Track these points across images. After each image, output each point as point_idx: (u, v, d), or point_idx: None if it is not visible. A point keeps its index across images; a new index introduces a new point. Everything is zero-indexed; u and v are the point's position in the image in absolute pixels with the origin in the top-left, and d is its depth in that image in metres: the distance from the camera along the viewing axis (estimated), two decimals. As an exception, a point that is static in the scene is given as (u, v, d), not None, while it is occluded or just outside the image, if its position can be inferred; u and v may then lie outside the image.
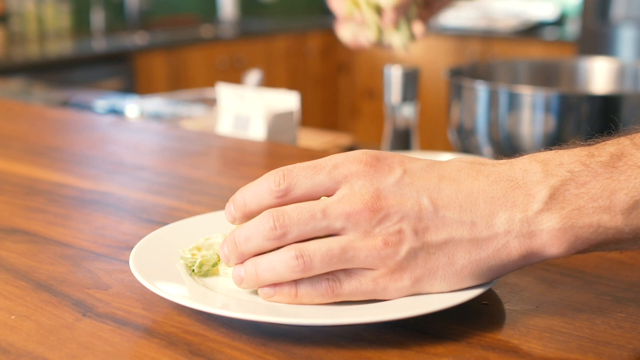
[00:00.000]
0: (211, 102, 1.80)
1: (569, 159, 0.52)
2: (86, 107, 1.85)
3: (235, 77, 3.09)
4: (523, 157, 0.54)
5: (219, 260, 0.61)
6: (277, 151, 1.17)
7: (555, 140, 1.27)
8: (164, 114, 1.76)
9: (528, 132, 1.29)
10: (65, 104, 1.91)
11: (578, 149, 0.53)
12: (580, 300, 0.58)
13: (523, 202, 0.52)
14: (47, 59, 3.49)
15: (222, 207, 0.78)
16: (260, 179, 0.55)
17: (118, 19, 4.32)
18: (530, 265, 0.54)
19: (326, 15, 5.14)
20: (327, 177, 0.53)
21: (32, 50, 3.65)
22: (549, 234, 0.51)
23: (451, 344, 0.52)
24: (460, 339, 0.52)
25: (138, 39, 3.93)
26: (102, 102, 1.90)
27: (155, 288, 0.55)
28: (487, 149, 1.37)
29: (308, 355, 0.50)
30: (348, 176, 0.53)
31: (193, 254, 0.61)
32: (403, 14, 0.58)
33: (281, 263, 0.53)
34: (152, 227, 0.71)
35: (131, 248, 0.62)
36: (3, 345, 0.53)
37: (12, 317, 0.57)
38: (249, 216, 0.56)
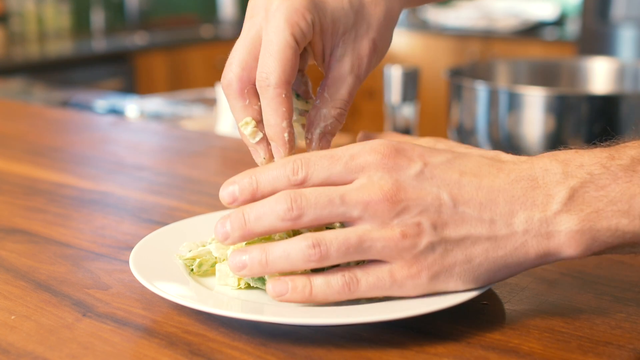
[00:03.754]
0: (211, 102, 1.80)
1: (590, 161, 0.52)
2: (86, 107, 1.85)
3: (235, 77, 3.08)
4: (544, 155, 0.54)
5: (217, 261, 0.61)
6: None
7: (555, 140, 1.27)
8: (164, 114, 1.76)
9: (528, 132, 1.29)
10: (65, 104, 1.91)
11: (599, 150, 0.53)
12: (580, 300, 0.58)
13: (542, 202, 0.51)
14: (47, 59, 3.49)
15: (222, 207, 0.78)
16: (276, 164, 0.54)
17: (118, 19, 4.32)
18: (546, 264, 0.54)
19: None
20: (344, 167, 0.52)
21: (32, 50, 3.65)
22: (567, 236, 0.51)
23: (451, 344, 0.52)
24: (460, 339, 0.52)
25: (138, 39, 3.93)
26: (102, 102, 1.90)
27: (155, 288, 0.55)
28: (487, 148, 1.37)
29: (308, 355, 0.50)
30: (366, 167, 0.52)
31: (193, 257, 0.61)
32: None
33: (296, 251, 0.52)
34: (152, 227, 0.71)
35: (131, 248, 0.62)
36: (3, 345, 0.53)
37: (12, 317, 0.57)
38: (256, 199, 0.53)
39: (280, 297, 0.53)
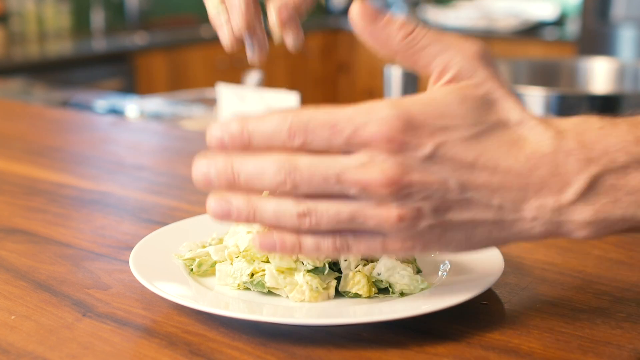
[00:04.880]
0: (211, 102, 1.80)
1: (615, 146, 0.49)
2: (86, 107, 1.85)
3: (235, 77, 3.09)
4: (569, 132, 0.50)
5: (217, 261, 0.61)
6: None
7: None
8: (164, 114, 1.76)
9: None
10: (65, 104, 1.90)
11: (625, 130, 0.50)
12: (580, 300, 0.58)
13: (558, 190, 0.49)
14: (47, 59, 3.49)
15: (222, 207, 0.78)
16: (272, 119, 0.49)
17: (118, 19, 4.32)
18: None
19: (326, 15, 5.14)
20: (346, 142, 0.48)
21: (32, 50, 3.65)
22: (579, 225, 0.50)
23: (451, 344, 0.52)
24: (460, 339, 0.52)
25: (138, 39, 3.93)
26: (102, 102, 1.90)
27: (155, 288, 0.55)
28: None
29: (308, 355, 0.50)
30: (370, 144, 0.48)
31: (192, 258, 0.61)
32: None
33: (286, 217, 0.49)
34: (152, 227, 0.71)
35: (131, 248, 0.63)
36: (3, 345, 0.53)
37: (12, 317, 0.57)
38: (245, 150, 0.50)
39: (266, 252, 0.52)
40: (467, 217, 0.50)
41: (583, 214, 0.49)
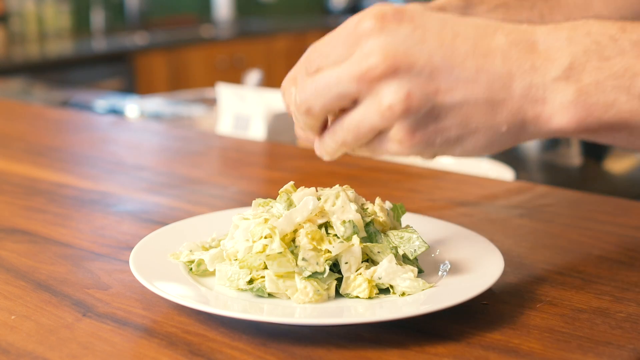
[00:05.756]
0: (211, 102, 1.80)
1: (598, 30, 0.49)
2: (86, 107, 1.85)
3: (235, 77, 3.10)
4: (550, 24, 0.51)
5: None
6: (277, 151, 1.17)
7: (553, 140, 1.27)
8: (164, 114, 1.76)
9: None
10: (65, 104, 1.91)
11: (612, 22, 0.50)
12: (580, 300, 0.58)
13: (542, 67, 0.49)
14: (47, 59, 3.49)
15: (222, 207, 0.78)
16: (296, 66, 0.55)
17: (118, 19, 4.32)
18: (540, 137, 0.52)
19: (326, 15, 5.14)
20: (345, 48, 0.51)
21: (32, 50, 3.65)
22: (561, 104, 0.48)
23: (451, 344, 0.52)
24: (460, 339, 0.52)
25: (138, 39, 3.93)
26: (102, 102, 1.90)
27: (155, 288, 0.55)
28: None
29: (308, 355, 0.50)
30: (361, 38, 0.50)
31: (189, 261, 0.62)
32: None
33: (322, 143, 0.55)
34: (152, 227, 0.71)
35: (131, 248, 0.63)
36: (3, 345, 0.53)
37: (12, 317, 0.57)
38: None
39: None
40: (459, 98, 0.49)
41: (566, 91, 0.48)
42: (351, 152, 0.55)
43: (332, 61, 0.52)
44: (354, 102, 0.51)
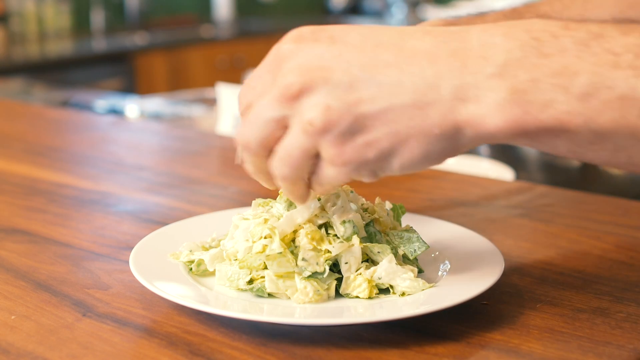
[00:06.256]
0: (211, 102, 1.80)
1: (539, 27, 0.46)
2: (86, 107, 1.85)
3: (235, 77, 3.09)
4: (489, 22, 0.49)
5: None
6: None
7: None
8: (164, 114, 1.76)
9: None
10: (65, 104, 1.90)
11: (556, 20, 0.47)
12: (580, 300, 0.58)
13: (474, 65, 0.45)
14: (47, 59, 3.49)
15: (222, 207, 0.78)
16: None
17: (118, 19, 4.32)
18: (477, 143, 0.48)
19: (326, 15, 5.14)
20: (271, 76, 0.51)
21: (32, 50, 3.65)
22: (495, 102, 0.45)
23: (451, 344, 0.52)
24: (460, 339, 0.52)
25: (138, 39, 3.93)
26: (102, 102, 1.90)
27: (155, 288, 0.55)
28: (484, 148, 1.37)
29: (308, 355, 0.50)
30: (281, 61, 0.50)
31: (190, 261, 0.61)
32: None
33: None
34: (152, 227, 0.71)
35: (131, 248, 0.62)
36: (3, 345, 0.53)
37: (12, 317, 0.57)
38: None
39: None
40: (383, 104, 0.47)
41: (500, 88, 0.45)
42: (301, 191, 0.53)
43: (259, 92, 0.51)
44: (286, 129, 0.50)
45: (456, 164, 1.25)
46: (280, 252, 0.56)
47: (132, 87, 3.63)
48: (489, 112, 0.45)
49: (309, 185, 0.53)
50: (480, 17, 0.69)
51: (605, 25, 0.46)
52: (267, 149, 0.51)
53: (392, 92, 0.47)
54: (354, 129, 0.47)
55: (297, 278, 0.56)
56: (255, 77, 0.52)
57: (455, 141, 0.47)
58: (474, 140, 0.47)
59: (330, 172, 0.50)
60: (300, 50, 0.49)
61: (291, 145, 0.50)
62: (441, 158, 0.49)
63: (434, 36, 0.47)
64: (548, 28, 0.46)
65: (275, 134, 0.50)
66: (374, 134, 0.47)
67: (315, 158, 0.50)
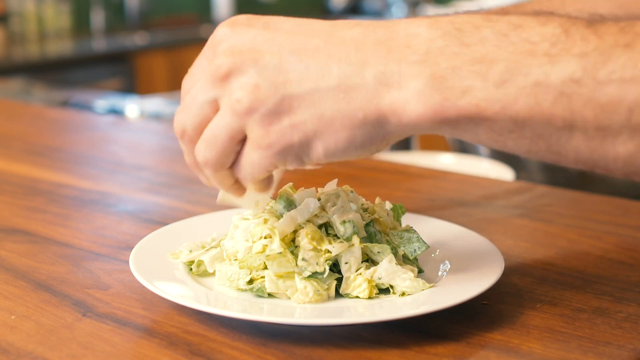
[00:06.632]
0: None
1: (462, 19, 0.47)
2: (86, 107, 1.85)
3: (235, 77, 3.09)
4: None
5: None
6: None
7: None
8: (164, 114, 1.76)
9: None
10: (65, 104, 1.90)
11: (479, 14, 0.48)
12: (580, 300, 0.58)
13: (399, 52, 0.47)
14: (47, 59, 3.49)
15: (222, 208, 0.78)
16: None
17: (118, 19, 4.32)
18: (403, 133, 0.49)
19: (326, 15, 5.14)
20: (207, 60, 0.52)
21: (32, 50, 3.65)
22: (416, 88, 0.46)
23: (451, 344, 0.52)
24: (460, 339, 0.52)
25: (138, 39, 3.93)
26: (102, 102, 1.90)
27: (155, 288, 0.55)
28: (484, 148, 1.36)
29: (308, 355, 0.50)
30: (216, 45, 0.51)
31: (190, 261, 0.62)
32: None
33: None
34: (152, 227, 0.71)
35: (131, 248, 0.63)
36: (3, 345, 0.53)
37: (12, 317, 0.57)
38: None
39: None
40: (309, 86, 0.48)
41: (421, 74, 0.46)
42: (223, 179, 0.53)
43: (197, 78, 0.52)
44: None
45: (456, 164, 1.25)
46: (280, 252, 0.56)
47: (132, 87, 3.63)
48: (410, 98, 0.47)
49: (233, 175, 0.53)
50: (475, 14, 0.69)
51: (525, 16, 0.47)
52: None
53: (319, 75, 0.48)
54: (280, 109, 0.49)
55: (297, 278, 0.56)
56: (195, 65, 0.53)
57: (380, 128, 0.48)
58: (398, 128, 0.48)
59: (254, 156, 0.50)
60: (233, 33, 0.50)
61: (217, 125, 0.51)
62: (366, 146, 0.49)
63: (363, 26, 0.49)
64: (471, 20, 0.47)
65: (209, 117, 0.51)
66: (299, 116, 0.49)
67: (240, 144, 0.51)
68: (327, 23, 0.50)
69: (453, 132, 0.48)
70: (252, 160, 0.51)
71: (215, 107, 0.51)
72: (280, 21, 0.51)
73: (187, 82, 0.54)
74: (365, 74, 0.47)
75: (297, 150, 0.49)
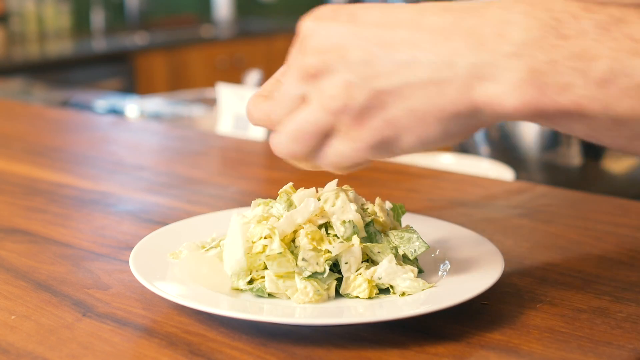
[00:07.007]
0: (211, 102, 1.80)
1: (561, 7, 0.45)
2: (86, 107, 1.85)
3: (235, 77, 3.09)
4: None
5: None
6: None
7: (553, 139, 1.27)
8: (164, 114, 1.76)
9: (526, 131, 1.29)
10: (65, 104, 1.91)
11: (577, 1, 0.46)
12: (580, 300, 0.58)
13: (492, 43, 0.45)
14: (47, 59, 3.49)
15: (222, 207, 0.78)
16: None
17: (118, 19, 4.32)
18: (494, 121, 0.48)
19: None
20: (299, 56, 0.51)
21: (32, 50, 3.65)
22: (513, 82, 0.45)
23: (451, 344, 0.52)
24: (460, 339, 0.52)
25: (138, 39, 3.93)
26: (102, 102, 1.90)
27: (155, 288, 0.55)
28: (484, 148, 1.37)
29: (308, 355, 0.50)
30: (303, 41, 0.51)
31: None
32: None
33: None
34: (152, 227, 0.71)
35: (131, 248, 0.63)
36: (3, 345, 0.53)
37: (12, 317, 0.57)
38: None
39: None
40: (400, 80, 0.47)
41: (518, 67, 0.45)
42: (305, 167, 0.54)
43: (289, 71, 0.52)
44: None
45: (456, 164, 1.25)
46: (280, 252, 0.56)
47: (132, 87, 3.63)
48: (506, 91, 0.45)
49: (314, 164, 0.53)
50: None
51: (626, 9, 0.45)
52: None
53: (409, 69, 0.47)
54: (372, 104, 0.48)
55: (297, 278, 0.56)
56: (289, 58, 0.53)
57: (473, 119, 0.47)
58: (491, 118, 0.47)
59: (343, 149, 0.50)
60: (318, 29, 0.50)
61: (306, 121, 0.50)
62: (457, 136, 0.49)
63: (452, 13, 0.47)
64: (568, 8, 0.45)
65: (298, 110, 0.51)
66: (391, 110, 0.48)
67: (327, 137, 0.50)
68: (414, 9, 0.48)
69: (547, 124, 0.47)
70: (340, 152, 0.50)
71: (303, 101, 0.51)
72: (364, 11, 0.50)
73: (281, 72, 0.54)
74: (456, 66, 0.46)
75: (389, 143, 0.49)
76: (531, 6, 0.46)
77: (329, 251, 0.57)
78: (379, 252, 0.58)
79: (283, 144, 0.52)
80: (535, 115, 0.46)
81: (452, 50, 0.46)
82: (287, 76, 0.52)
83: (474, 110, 0.47)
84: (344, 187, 0.61)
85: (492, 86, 0.45)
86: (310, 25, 0.51)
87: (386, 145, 0.49)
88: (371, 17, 0.49)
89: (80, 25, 4.15)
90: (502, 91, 0.45)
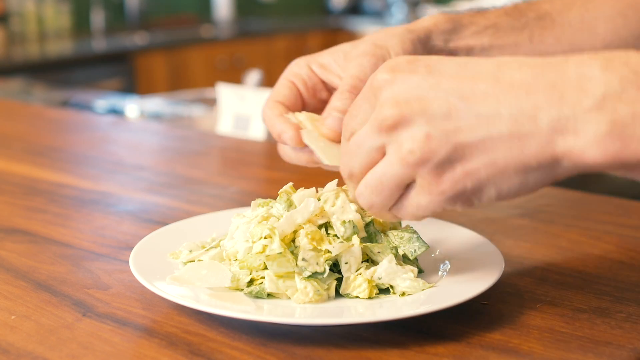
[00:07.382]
0: (211, 102, 1.80)
1: (637, 60, 0.45)
2: (86, 107, 1.85)
3: (235, 77, 3.09)
4: (583, 53, 0.47)
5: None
6: (277, 151, 1.17)
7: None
8: (164, 114, 1.76)
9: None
10: (65, 104, 1.91)
11: None
12: (580, 300, 0.58)
13: (572, 97, 0.45)
14: (47, 59, 3.49)
15: (222, 207, 0.78)
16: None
17: (118, 19, 4.32)
18: (573, 173, 0.48)
19: (326, 15, 5.14)
20: (370, 107, 0.52)
21: (32, 50, 3.65)
22: (595, 136, 0.45)
23: (451, 344, 0.52)
24: (460, 339, 0.52)
25: (138, 39, 3.93)
26: (102, 102, 1.90)
27: (155, 288, 0.55)
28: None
29: (308, 355, 0.50)
30: (377, 90, 0.51)
31: (190, 260, 0.61)
32: None
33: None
34: (152, 227, 0.71)
35: (131, 248, 0.62)
36: (3, 345, 0.53)
37: (12, 317, 0.57)
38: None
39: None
40: (481, 134, 0.47)
41: (600, 122, 0.45)
42: (384, 217, 0.54)
43: (360, 121, 0.52)
44: None
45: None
46: (280, 252, 0.56)
47: (132, 87, 3.63)
48: (589, 145, 0.46)
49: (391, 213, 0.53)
50: (481, 13, 0.69)
51: None
52: None
53: (490, 122, 0.47)
54: (452, 158, 0.48)
55: (297, 278, 0.56)
56: (356, 105, 0.53)
57: (552, 171, 0.48)
58: (571, 170, 0.48)
59: (422, 201, 0.50)
60: (396, 79, 0.50)
61: (384, 173, 0.50)
62: (537, 187, 0.50)
63: (530, 67, 0.47)
64: None
65: (376, 162, 0.51)
66: (472, 163, 0.48)
67: (405, 189, 0.51)
68: (491, 63, 0.49)
69: (627, 173, 0.48)
70: (418, 203, 0.51)
71: (381, 153, 0.51)
72: (442, 63, 0.50)
73: (349, 122, 0.54)
74: (538, 121, 0.46)
75: (469, 195, 0.49)
76: (608, 61, 0.46)
77: (329, 251, 0.57)
78: (379, 252, 0.58)
79: (365, 196, 0.52)
80: (617, 166, 0.46)
81: (533, 104, 0.46)
82: (357, 124, 0.52)
83: (555, 163, 0.47)
84: (344, 187, 0.61)
85: (574, 139, 0.46)
86: (386, 76, 0.50)
87: (465, 197, 0.49)
88: (449, 70, 0.49)
89: (80, 25, 4.14)
90: (585, 144, 0.46)
